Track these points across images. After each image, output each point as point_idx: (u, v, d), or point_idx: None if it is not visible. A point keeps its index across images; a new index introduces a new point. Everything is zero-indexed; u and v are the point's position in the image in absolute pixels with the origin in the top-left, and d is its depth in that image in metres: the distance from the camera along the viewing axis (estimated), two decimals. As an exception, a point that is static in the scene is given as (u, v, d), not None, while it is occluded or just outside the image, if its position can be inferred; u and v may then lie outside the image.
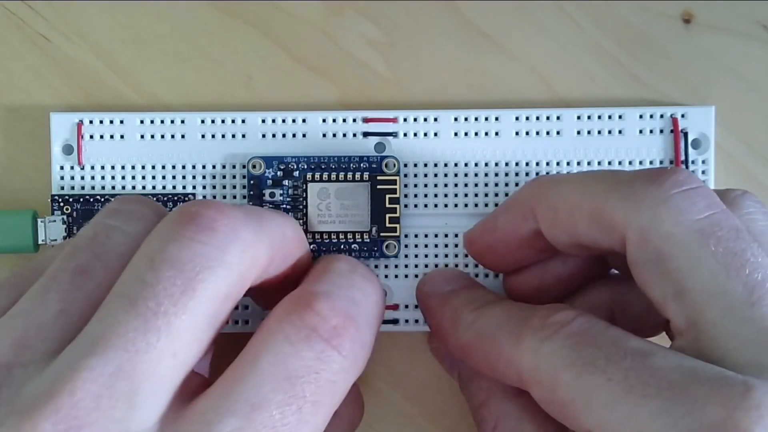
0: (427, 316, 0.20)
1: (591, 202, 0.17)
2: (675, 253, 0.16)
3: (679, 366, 0.15)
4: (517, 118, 0.22)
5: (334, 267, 0.18)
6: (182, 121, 0.22)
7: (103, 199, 0.22)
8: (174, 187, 0.22)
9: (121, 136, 0.22)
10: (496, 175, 0.22)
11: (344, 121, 0.22)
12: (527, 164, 0.22)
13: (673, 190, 0.16)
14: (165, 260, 0.15)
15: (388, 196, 0.22)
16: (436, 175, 0.22)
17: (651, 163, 0.22)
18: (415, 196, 0.22)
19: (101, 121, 0.22)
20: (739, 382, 0.14)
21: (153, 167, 0.22)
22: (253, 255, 0.16)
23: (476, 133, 0.22)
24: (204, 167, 0.22)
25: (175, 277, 0.15)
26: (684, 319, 0.16)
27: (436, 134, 0.22)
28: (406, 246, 0.22)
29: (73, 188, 0.22)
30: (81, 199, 0.22)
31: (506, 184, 0.22)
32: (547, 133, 0.22)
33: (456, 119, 0.22)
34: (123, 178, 0.22)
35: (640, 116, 0.22)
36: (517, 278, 0.21)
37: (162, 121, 0.22)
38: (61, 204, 0.22)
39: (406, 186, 0.22)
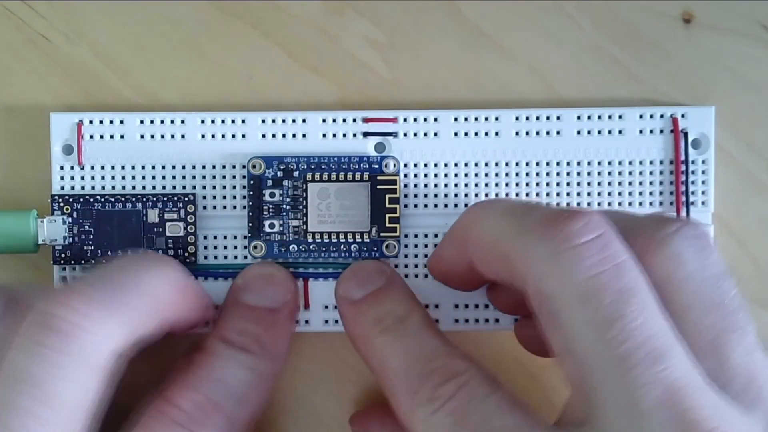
0: (342, 321, 0.20)
1: (501, 245, 0.17)
2: (560, 314, 0.15)
3: None
4: (517, 118, 0.22)
5: (208, 349, 0.19)
6: (182, 121, 0.22)
7: (102, 199, 0.22)
8: (174, 187, 0.22)
9: (121, 136, 0.22)
10: (496, 175, 0.22)
11: (344, 121, 0.22)
12: (527, 164, 0.22)
13: (563, 244, 0.15)
14: (20, 379, 0.16)
15: (388, 196, 0.22)
16: (436, 175, 0.22)
17: (651, 163, 0.22)
18: (415, 196, 0.22)
19: (101, 121, 0.22)
20: None
21: (153, 167, 0.22)
22: (105, 337, 0.17)
23: (476, 133, 0.22)
24: (204, 167, 0.22)
25: (31, 393, 0.16)
26: (572, 378, 0.16)
27: (436, 134, 0.22)
28: (406, 246, 0.22)
29: (73, 188, 0.22)
30: (81, 199, 0.22)
31: (506, 184, 0.22)
32: (547, 133, 0.22)
33: (456, 119, 0.22)
34: (123, 178, 0.22)
35: (640, 116, 0.22)
36: (492, 294, 0.21)
37: (162, 121, 0.22)
38: (61, 204, 0.22)
39: (406, 186, 0.22)
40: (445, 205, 0.22)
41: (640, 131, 0.22)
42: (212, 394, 0.19)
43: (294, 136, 0.22)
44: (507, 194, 0.22)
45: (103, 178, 0.22)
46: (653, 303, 0.15)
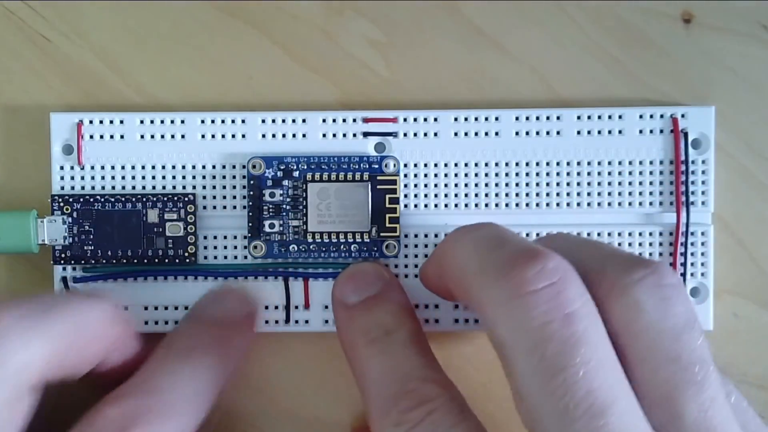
0: (335, 322, 0.21)
1: (464, 279, 0.17)
2: (510, 359, 0.16)
3: None
4: (517, 118, 0.22)
5: (150, 362, 0.19)
6: (182, 121, 0.22)
7: (102, 199, 0.22)
8: (174, 187, 0.22)
9: (121, 136, 0.22)
10: (496, 175, 0.22)
11: (344, 121, 0.22)
12: (527, 164, 0.22)
13: (516, 291, 0.15)
14: None
15: (388, 196, 0.22)
16: (436, 175, 0.22)
17: (651, 163, 0.22)
18: (415, 196, 0.22)
19: (101, 121, 0.22)
20: None
21: (153, 167, 0.22)
22: (27, 353, 0.17)
23: (476, 133, 0.22)
24: (204, 167, 0.22)
25: None
26: (524, 422, 0.16)
27: (436, 134, 0.22)
28: (406, 246, 0.22)
29: (73, 188, 0.22)
30: (81, 199, 0.22)
31: (506, 184, 0.22)
32: (547, 133, 0.22)
33: (456, 119, 0.22)
34: (123, 178, 0.22)
35: (640, 116, 0.22)
36: None
37: (162, 121, 0.22)
38: (61, 204, 0.22)
39: (406, 186, 0.22)
40: (446, 205, 0.22)
41: (640, 131, 0.22)
42: (145, 400, 0.18)
43: (294, 136, 0.22)
44: (507, 194, 0.22)
45: (103, 178, 0.22)
46: (602, 354, 0.15)
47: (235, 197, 0.22)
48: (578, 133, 0.22)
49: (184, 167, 0.22)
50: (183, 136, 0.22)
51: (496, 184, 0.22)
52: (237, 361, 0.21)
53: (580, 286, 0.16)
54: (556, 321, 0.15)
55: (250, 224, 0.22)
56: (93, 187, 0.22)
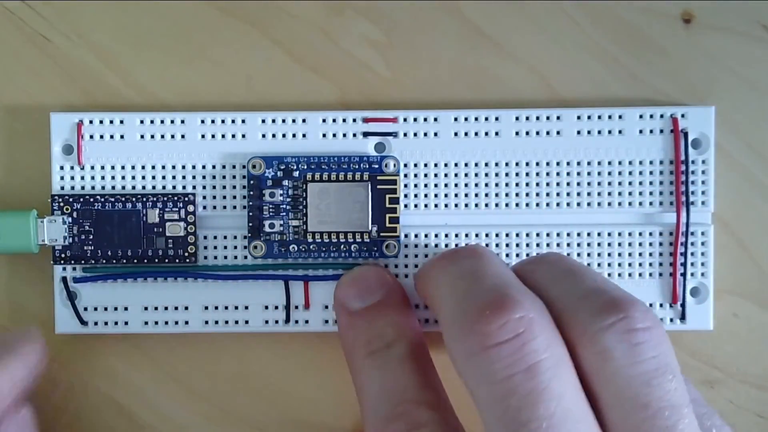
0: (337, 324, 0.21)
1: (440, 321, 0.17)
2: (478, 406, 0.16)
3: None
4: (517, 118, 0.22)
5: None
6: (182, 121, 0.22)
7: (102, 199, 0.22)
8: (174, 187, 0.22)
9: (121, 136, 0.22)
10: (497, 175, 0.22)
11: (344, 121, 0.22)
12: (527, 164, 0.22)
13: (480, 344, 0.16)
14: None
15: (388, 196, 0.22)
16: (436, 175, 0.22)
17: (651, 163, 0.22)
18: (415, 196, 0.22)
19: (101, 121, 0.22)
20: None
21: (153, 167, 0.22)
22: None
23: (476, 133, 0.22)
24: (204, 167, 0.22)
25: None
26: None
27: (436, 134, 0.22)
28: (406, 246, 0.22)
29: (73, 188, 0.22)
30: (81, 199, 0.22)
31: (506, 184, 0.22)
32: (547, 133, 0.22)
33: (456, 119, 0.22)
34: (123, 178, 0.22)
35: (640, 116, 0.22)
36: None
37: (162, 121, 0.22)
38: (61, 204, 0.22)
39: (406, 186, 0.22)
40: (446, 205, 0.22)
41: (640, 131, 0.22)
42: None
43: (294, 136, 0.22)
44: (507, 194, 0.22)
45: (103, 178, 0.22)
46: (568, 404, 0.15)
47: (235, 197, 0.22)
48: (578, 133, 0.22)
49: (184, 167, 0.22)
50: (183, 136, 0.22)
51: (496, 184, 0.22)
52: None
53: (548, 335, 0.16)
54: (519, 374, 0.15)
55: (250, 224, 0.22)
56: (93, 187, 0.22)
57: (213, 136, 0.22)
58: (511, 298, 0.16)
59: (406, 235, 0.22)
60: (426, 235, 0.22)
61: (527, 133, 0.22)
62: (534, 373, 0.15)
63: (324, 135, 0.22)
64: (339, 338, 0.21)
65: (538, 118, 0.22)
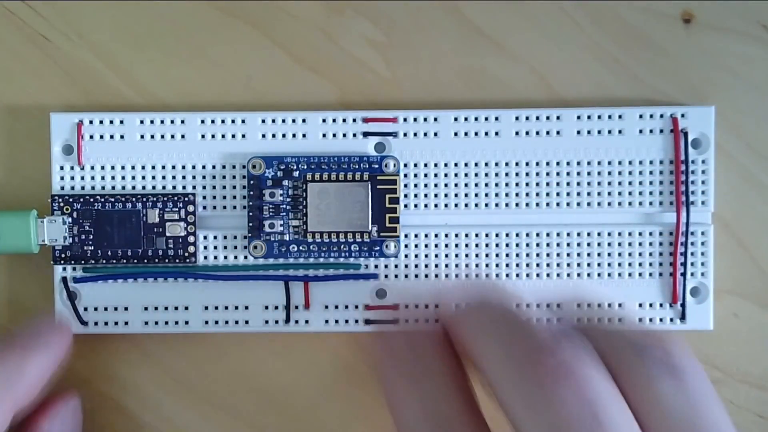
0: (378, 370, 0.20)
1: (485, 376, 0.17)
2: None
3: None
4: (517, 118, 0.22)
5: None
6: (182, 121, 0.22)
7: (102, 199, 0.22)
8: (174, 187, 0.22)
9: (121, 136, 0.22)
10: (496, 175, 0.22)
11: (344, 121, 0.22)
12: (527, 164, 0.22)
13: (538, 384, 0.15)
14: None
15: (388, 196, 0.22)
16: (436, 175, 0.22)
17: (651, 163, 0.22)
18: (415, 196, 0.22)
19: (101, 121, 0.22)
20: None
21: (153, 167, 0.22)
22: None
23: (476, 133, 0.22)
24: (204, 167, 0.22)
25: None
26: None
27: (436, 134, 0.22)
28: (406, 246, 0.22)
29: (73, 188, 0.22)
30: (81, 199, 0.22)
31: (506, 184, 0.22)
32: (547, 133, 0.22)
33: (456, 119, 0.22)
34: (123, 178, 0.22)
35: (640, 116, 0.22)
36: None
37: (162, 121, 0.22)
38: (61, 204, 0.22)
39: (406, 186, 0.22)
40: (446, 205, 0.22)
41: (640, 131, 0.22)
42: None
43: (294, 136, 0.22)
44: (507, 194, 0.22)
45: (103, 178, 0.22)
46: None
47: (235, 197, 0.22)
48: (578, 133, 0.22)
49: (184, 167, 0.22)
50: (183, 136, 0.22)
51: (496, 184, 0.22)
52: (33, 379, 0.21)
53: (601, 372, 0.16)
54: (582, 411, 0.15)
55: (250, 224, 0.22)
56: (93, 187, 0.22)
57: (213, 136, 0.22)
58: (558, 338, 0.16)
59: (406, 235, 0.22)
60: (426, 235, 0.22)
61: (527, 133, 0.22)
62: (597, 409, 0.15)
63: (324, 135, 0.22)
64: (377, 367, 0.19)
65: (538, 118, 0.22)
